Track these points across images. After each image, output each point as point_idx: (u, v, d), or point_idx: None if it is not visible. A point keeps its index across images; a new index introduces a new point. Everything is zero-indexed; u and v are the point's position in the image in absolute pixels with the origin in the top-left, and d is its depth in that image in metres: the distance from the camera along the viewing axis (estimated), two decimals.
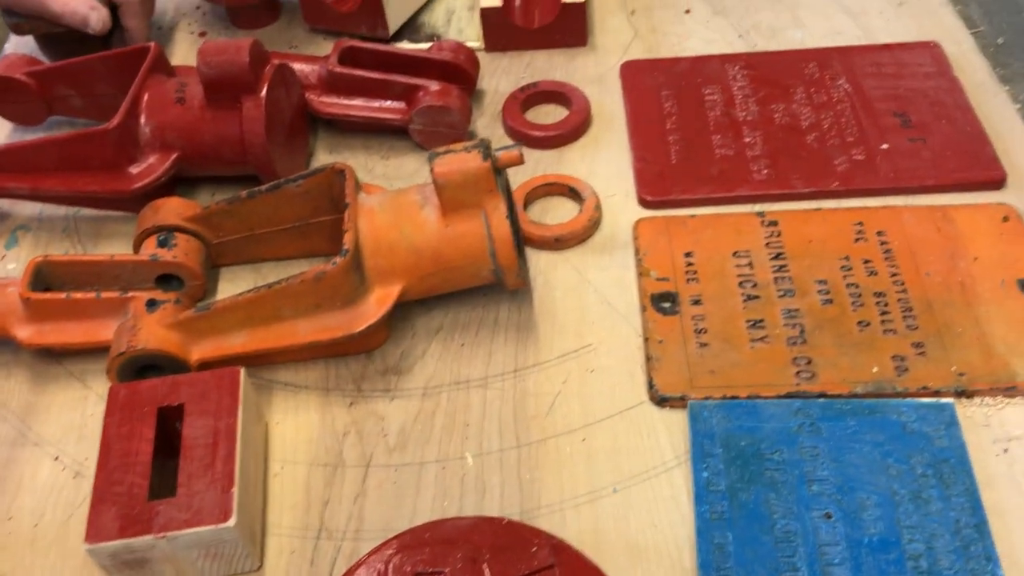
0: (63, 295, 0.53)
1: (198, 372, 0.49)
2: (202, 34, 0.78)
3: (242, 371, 0.48)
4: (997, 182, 0.59)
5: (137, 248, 0.56)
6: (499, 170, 0.51)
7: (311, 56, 0.67)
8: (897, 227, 0.57)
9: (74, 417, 0.53)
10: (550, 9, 0.71)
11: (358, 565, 0.40)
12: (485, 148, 0.50)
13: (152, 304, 0.52)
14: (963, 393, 0.49)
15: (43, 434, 0.52)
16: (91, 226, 0.63)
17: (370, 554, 0.41)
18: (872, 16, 0.73)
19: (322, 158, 0.66)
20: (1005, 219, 0.57)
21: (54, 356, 0.55)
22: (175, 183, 0.62)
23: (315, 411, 0.52)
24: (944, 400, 0.49)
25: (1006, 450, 0.47)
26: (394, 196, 0.53)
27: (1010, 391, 0.49)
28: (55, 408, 0.53)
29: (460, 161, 0.50)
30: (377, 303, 0.52)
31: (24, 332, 0.53)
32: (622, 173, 0.63)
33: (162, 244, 0.55)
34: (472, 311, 0.56)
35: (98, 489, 0.44)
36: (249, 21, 0.77)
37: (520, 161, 0.51)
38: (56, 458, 0.51)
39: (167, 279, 0.56)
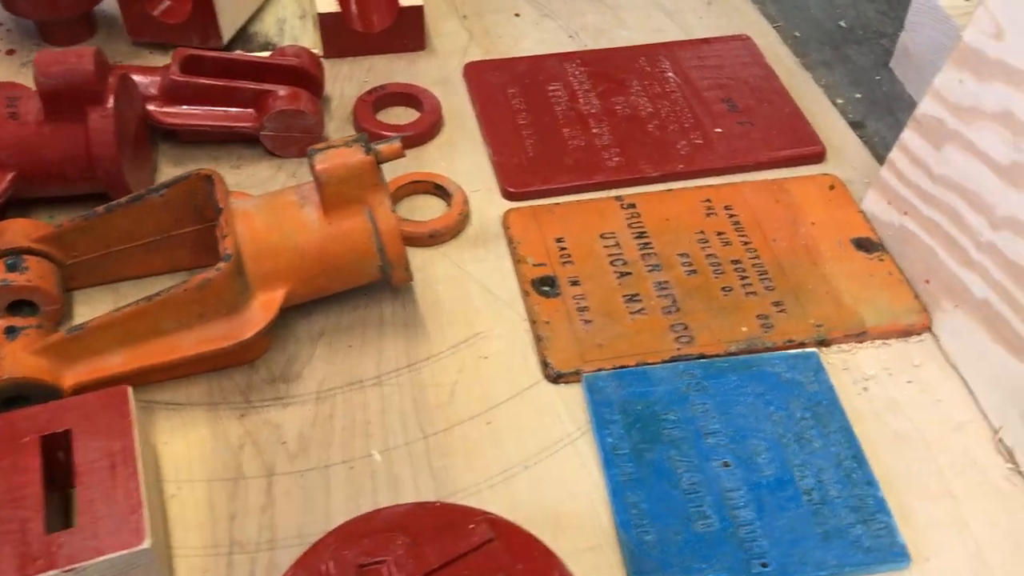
0: None
1: (81, 395, 0.46)
2: (10, 52, 0.72)
3: (129, 389, 0.46)
4: (819, 156, 0.66)
5: None
6: (379, 164, 0.51)
7: (148, 67, 0.64)
8: (741, 201, 0.62)
9: None
10: (388, 13, 0.72)
11: (298, 566, 0.39)
12: (366, 142, 0.50)
13: (11, 331, 0.48)
14: (823, 342, 0.54)
15: None
16: None
17: (306, 555, 0.39)
18: (687, 14, 0.79)
19: (168, 171, 0.63)
20: (831, 187, 0.63)
21: None
22: (6, 207, 0.58)
23: (204, 427, 0.50)
24: (808, 350, 0.53)
25: (866, 388, 0.52)
26: (270, 198, 0.52)
27: (860, 336, 0.54)
28: None
29: (342, 156, 0.50)
30: (262, 308, 0.50)
31: None
32: (481, 169, 0.65)
33: (12, 268, 0.51)
34: (354, 312, 0.55)
35: None
36: (63, 37, 0.72)
37: (402, 153, 0.51)
38: None
39: (18, 305, 0.51)
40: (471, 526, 0.41)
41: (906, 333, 0.55)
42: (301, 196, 0.51)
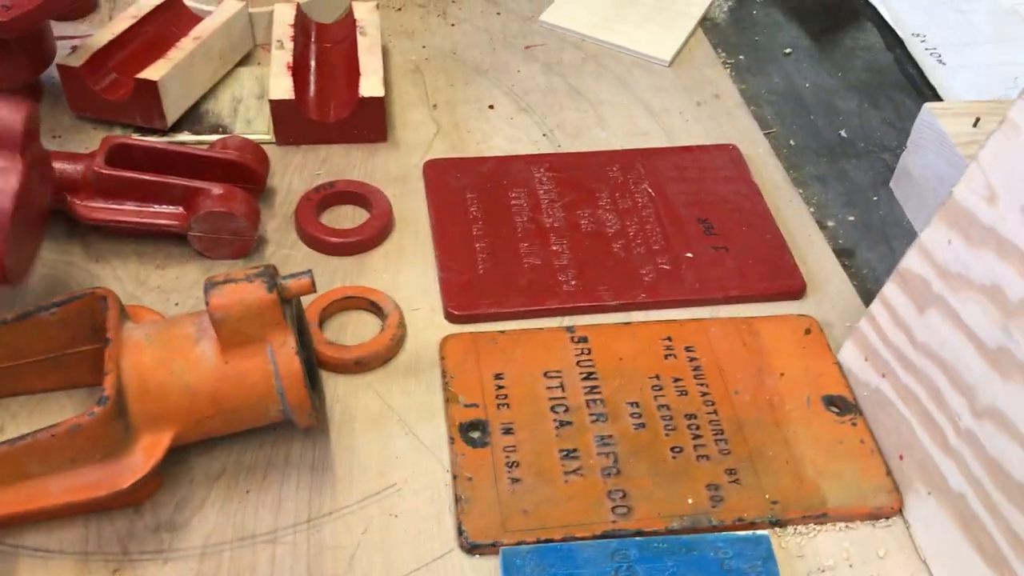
0: None
1: None
2: None
3: None
4: (798, 292, 0.60)
5: None
6: (287, 300, 0.46)
7: (73, 153, 0.59)
8: (705, 341, 0.56)
9: None
10: (347, 102, 0.67)
11: None
12: (270, 277, 0.45)
13: None
14: (777, 523, 0.48)
15: None
16: None
17: None
18: (673, 116, 0.73)
19: (88, 268, 0.59)
20: (807, 332, 0.57)
21: None
22: None
23: None
24: (760, 532, 0.47)
25: None
26: (165, 328, 0.47)
27: (821, 518, 0.48)
28: None
29: (241, 292, 0.44)
30: (145, 453, 0.45)
31: None
32: (427, 283, 0.59)
33: None
34: (259, 450, 0.50)
35: None
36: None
37: (311, 290, 0.46)
38: None
39: None
40: None
41: (873, 516, 0.49)
42: (199, 328, 0.46)
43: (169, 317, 0.49)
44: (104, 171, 0.57)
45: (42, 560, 0.45)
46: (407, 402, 0.53)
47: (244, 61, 0.74)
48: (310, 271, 0.46)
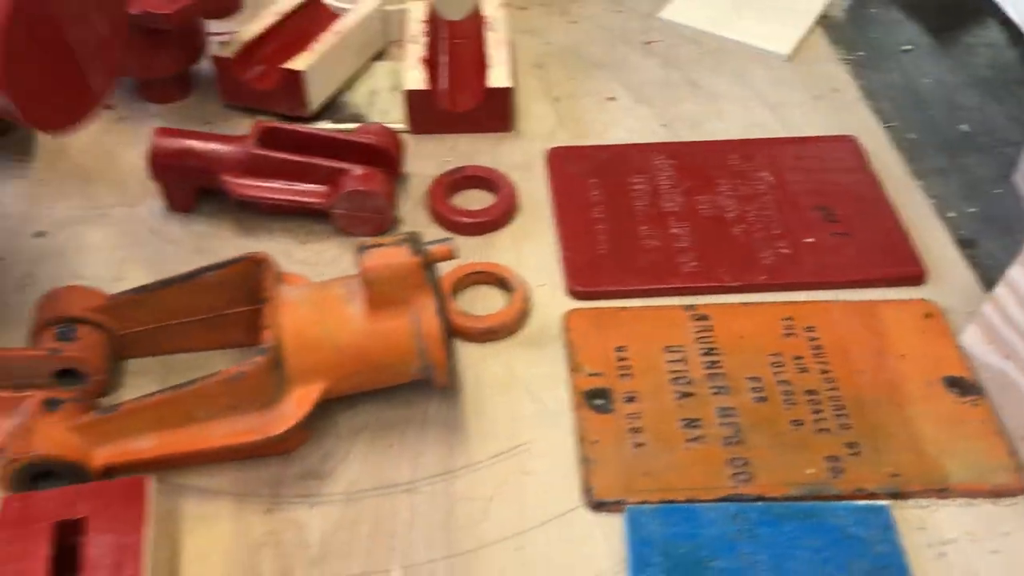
0: None
1: (102, 481, 0.45)
2: (108, 107, 0.74)
3: (150, 481, 0.45)
4: (918, 278, 0.60)
5: (34, 340, 0.52)
6: (429, 265, 0.49)
7: (228, 136, 0.64)
8: (825, 322, 0.57)
9: None
10: (476, 93, 0.71)
11: None
12: (415, 242, 0.49)
13: (51, 404, 0.48)
14: (897, 495, 0.49)
15: None
16: None
17: None
18: (791, 108, 0.74)
19: (237, 242, 0.63)
20: (927, 316, 0.57)
21: None
22: None
23: (228, 520, 0.48)
24: (880, 503, 0.48)
25: (943, 555, 0.47)
26: (318, 289, 0.51)
27: (942, 492, 0.49)
28: None
29: (389, 256, 0.48)
30: (297, 403, 0.49)
31: None
32: (550, 262, 0.62)
33: (62, 337, 0.51)
34: (399, 408, 0.53)
35: None
36: (160, 95, 0.74)
37: (452, 256, 0.49)
38: None
39: (65, 373, 0.51)
40: None
41: (996, 494, 0.49)
42: (349, 290, 0.50)
43: (319, 281, 0.52)
44: (256, 151, 0.62)
45: (204, 498, 0.49)
46: (532, 371, 0.55)
47: (378, 56, 0.78)
48: (452, 238, 0.49)
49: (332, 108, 0.73)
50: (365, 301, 0.49)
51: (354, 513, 0.49)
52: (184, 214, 0.65)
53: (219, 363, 0.56)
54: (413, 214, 0.65)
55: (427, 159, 0.70)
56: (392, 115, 0.72)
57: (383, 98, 0.74)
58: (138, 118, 0.73)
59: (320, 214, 0.63)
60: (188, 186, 0.64)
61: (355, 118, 0.72)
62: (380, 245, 0.48)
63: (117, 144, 0.71)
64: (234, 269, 0.52)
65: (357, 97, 0.75)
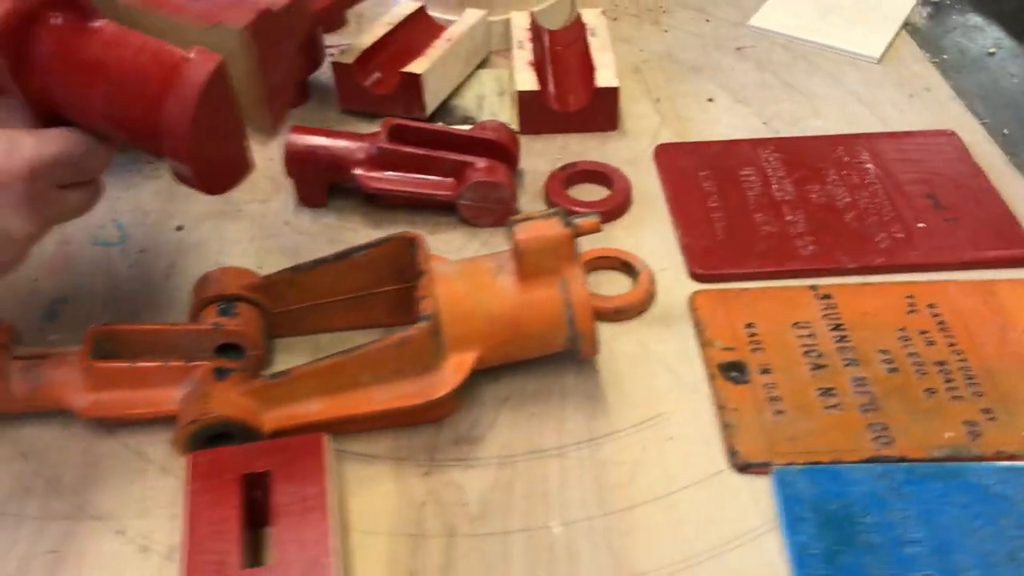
0: (127, 363, 0.51)
1: (279, 438, 0.48)
2: None
3: (325, 438, 0.47)
4: None
5: (194, 317, 0.55)
6: (578, 237, 0.52)
7: (357, 133, 0.67)
8: (946, 300, 0.59)
9: (133, 490, 0.50)
10: (584, 93, 0.74)
11: None
12: (564, 216, 0.51)
13: (221, 372, 0.51)
14: None
15: (103, 508, 0.50)
16: (130, 302, 0.61)
17: None
18: (885, 107, 0.77)
19: (367, 233, 0.66)
20: None
21: (107, 429, 0.53)
22: None
23: (390, 481, 0.51)
24: (1022, 463, 0.49)
25: None
26: (467, 263, 0.53)
27: None
28: (113, 481, 0.51)
29: (540, 228, 0.50)
30: (454, 370, 0.51)
31: (82, 402, 0.51)
32: (668, 249, 0.64)
33: (223, 313, 0.54)
34: (539, 380, 0.56)
35: (190, 559, 0.42)
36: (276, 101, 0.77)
37: (599, 228, 0.51)
38: (119, 532, 0.48)
39: (226, 348, 0.54)
40: None
41: None
42: (497, 264, 0.53)
43: (467, 257, 0.55)
44: (387, 146, 0.65)
45: (365, 462, 0.51)
46: (664, 347, 0.57)
47: (482, 64, 0.82)
48: (597, 212, 0.52)
49: (443, 111, 0.76)
50: (515, 273, 0.51)
51: (508, 475, 0.51)
52: (315, 209, 0.68)
53: (362, 342, 0.58)
54: (531, 206, 0.68)
55: (538, 156, 0.72)
56: (500, 117, 0.75)
57: (490, 102, 0.78)
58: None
59: (445, 206, 0.66)
60: (320, 181, 0.67)
61: (466, 121, 0.75)
62: (530, 219, 0.51)
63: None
64: (385, 248, 0.55)
65: (466, 101, 0.78)
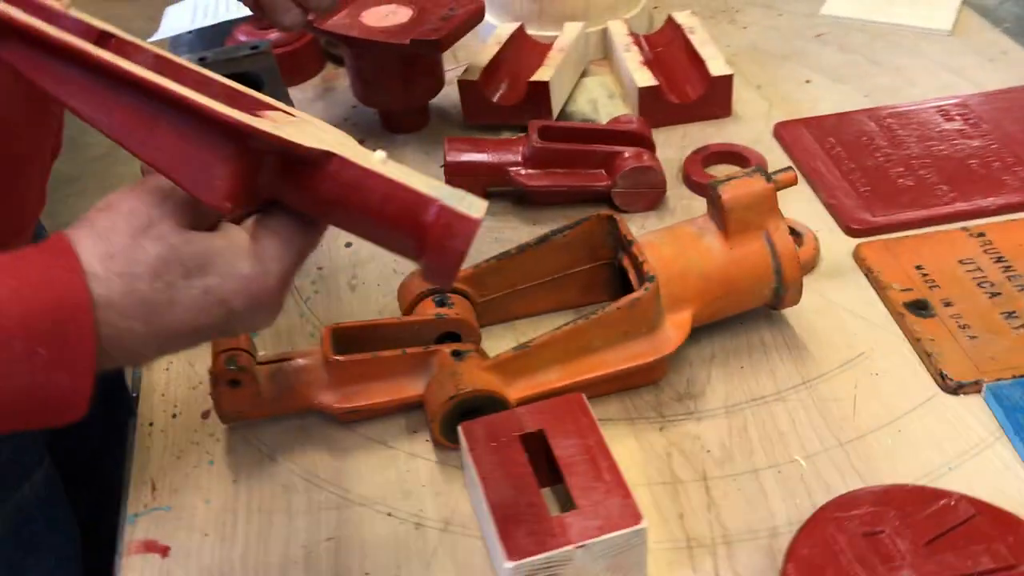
0: (369, 355, 0.54)
1: (542, 402, 0.50)
2: (361, 141, 0.81)
3: (583, 396, 0.50)
4: None
5: (408, 313, 0.58)
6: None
7: (506, 140, 0.71)
8: None
9: (390, 475, 0.53)
10: (700, 83, 0.78)
11: (804, 535, 0.41)
12: (764, 171, 0.55)
13: (457, 354, 0.54)
14: None
15: (365, 495, 0.52)
16: (324, 313, 0.64)
17: (807, 528, 0.42)
18: (973, 70, 0.82)
19: (527, 229, 0.69)
20: None
21: (344, 425, 0.56)
22: None
23: (630, 438, 0.53)
24: None
25: None
26: (668, 231, 0.57)
27: None
28: (366, 471, 0.53)
29: (745, 185, 0.54)
30: (674, 328, 0.54)
31: (330, 398, 0.53)
32: (815, 212, 0.68)
33: (441, 304, 0.57)
34: (737, 338, 0.59)
35: (499, 514, 0.44)
36: (407, 125, 0.81)
37: (795, 181, 0.55)
38: (389, 514, 0.51)
39: (444, 337, 0.57)
40: (951, 503, 0.42)
41: None
42: (697, 228, 0.56)
43: (664, 227, 0.58)
44: (541, 145, 0.69)
45: (603, 425, 0.54)
46: (843, 296, 0.61)
47: (583, 73, 0.86)
48: (791, 167, 0.55)
49: (562, 117, 0.80)
50: (718, 233, 0.55)
51: (739, 421, 0.54)
52: None
53: (557, 324, 0.61)
54: (674, 189, 0.72)
55: (664, 146, 0.76)
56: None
57: (603, 104, 0.82)
58: (389, 149, 0.80)
59: (598, 196, 0.70)
60: (477, 187, 0.70)
61: (584, 123, 0.79)
62: (732, 178, 0.55)
63: None
64: (581, 228, 0.58)
65: (579, 107, 0.82)
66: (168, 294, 0.36)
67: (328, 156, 0.38)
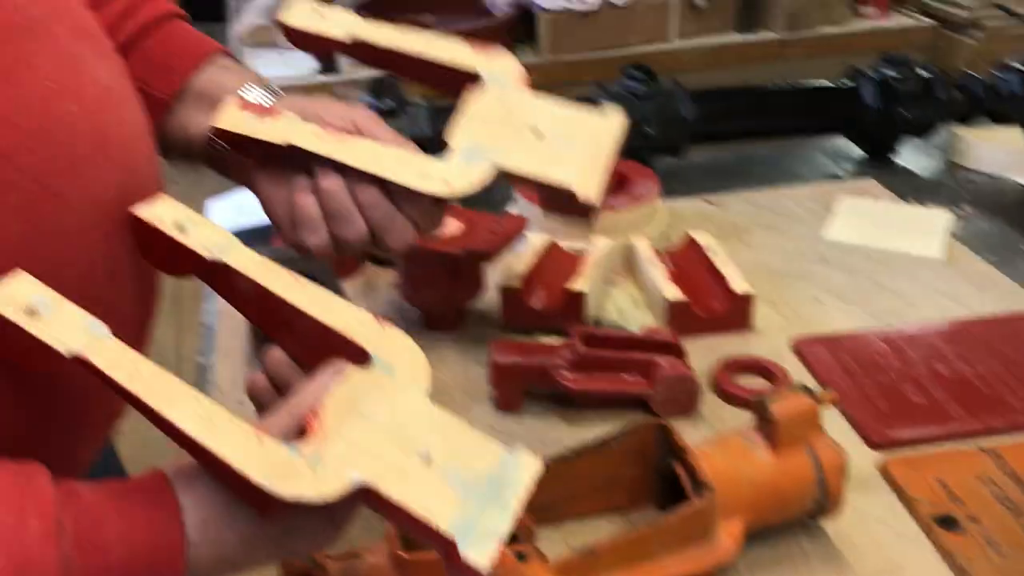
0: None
1: None
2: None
3: None
4: None
5: None
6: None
7: (549, 346, 0.76)
8: None
9: None
10: (725, 299, 0.84)
11: None
12: (808, 391, 0.60)
13: (521, 556, 0.56)
14: None
15: None
16: None
17: None
18: (967, 297, 0.89)
19: (569, 430, 0.73)
20: None
21: None
22: None
23: None
24: None
25: None
26: (719, 442, 0.61)
27: None
28: None
29: (793, 402, 0.59)
30: (727, 536, 0.58)
31: None
32: (839, 427, 0.73)
33: None
34: (775, 548, 0.62)
35: None
36: (447, 324, 0.86)
37: (837, 400, 0.60)
38: None
39: None
40: None
41: None
42: (747, 440, 0.60)
43: (713, 436, 0.63)
44: (586, 351, 0.74)
45: None
46: (873, 508, 0.65)
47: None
48: (830, 388, 0.61)
49: (592, 324, 0.86)
50: (765, 446, 0.59)
51: None
52: (512, 413, 0.75)
53: (604, 527, 0.64)
54: (704, 397, 0.76)
55: (691, 356, 0.82)
56: (646, 326, 0.85)
57: (630, 313, 0.88)
58: (430, 346, 0.84)
59: (636, 401, 0.74)
60: (519, 388, 0.75)
61: (616, 330, 0.85)
62: (780, 395, 0.60)
63: None
64: (637, 435, 0.62)
65: (608, 314, 0.88)
66: (251, 555, 0.45)
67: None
